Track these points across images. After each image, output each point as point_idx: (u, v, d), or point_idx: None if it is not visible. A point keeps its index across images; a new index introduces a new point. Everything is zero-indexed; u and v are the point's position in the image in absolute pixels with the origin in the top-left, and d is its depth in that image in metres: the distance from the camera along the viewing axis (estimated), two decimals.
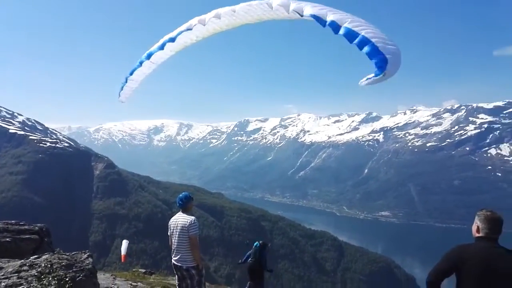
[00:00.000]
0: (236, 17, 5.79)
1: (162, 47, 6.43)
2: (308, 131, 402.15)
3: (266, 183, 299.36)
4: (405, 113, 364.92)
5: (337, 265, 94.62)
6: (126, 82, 7.02)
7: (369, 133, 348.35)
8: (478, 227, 3.73)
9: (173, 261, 5.99)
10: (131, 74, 6.91)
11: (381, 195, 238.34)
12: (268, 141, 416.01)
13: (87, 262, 5.86)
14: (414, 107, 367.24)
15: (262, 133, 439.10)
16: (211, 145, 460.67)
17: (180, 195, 6.14)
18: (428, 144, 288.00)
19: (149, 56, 6.60)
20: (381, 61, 4.43)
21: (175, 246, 5.94)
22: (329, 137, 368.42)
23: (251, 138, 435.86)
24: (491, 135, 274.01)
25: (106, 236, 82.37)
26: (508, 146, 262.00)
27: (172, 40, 6.27)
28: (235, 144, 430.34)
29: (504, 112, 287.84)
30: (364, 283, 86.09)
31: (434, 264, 3.76)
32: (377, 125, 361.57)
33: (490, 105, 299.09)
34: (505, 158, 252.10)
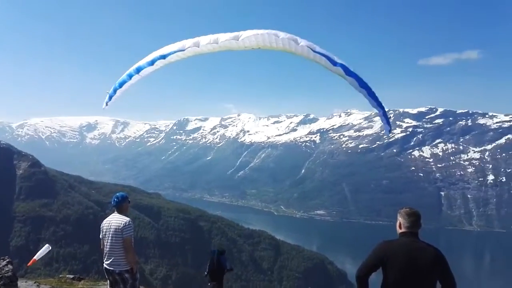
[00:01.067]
0: (235, 44, 6.25)
1: (152, 63, 6.77)
2: (248, 131, 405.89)
3: (205, 183, 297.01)
4: (340, 116, 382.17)
5: (274, 263, 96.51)
6: (115, 93, 7.29)
7: (307, 134, 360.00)
8: (400, 223, 4.18)
9: (104, 265, 5.69)
10: (120, 86, 7.17)
11: (317, 194, 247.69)
12: (208, 140, 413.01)
13: (7, 269, 5.37)
14: (349, 110, 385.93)
15: (202, 132, 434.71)
16: (149, 143, 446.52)
17: (116, 194, 5.87)
18: (360, 146, 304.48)
19: (138, 71, 6.94)
20: (388, 124, 7.71)
21: (107, 249, 5.65)
22: (268, 138, 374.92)
23: (191, 137, 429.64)
24: (415, 138, 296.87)
25: (29, 240, 76.14)
26: (429, 149, 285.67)
27: (163, 57, 6.67)
28: (174, 143, 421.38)
29: (427, 117, 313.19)
30: (299, 280, 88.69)
31: (363, 259, 4.12)
32: (314, 126, 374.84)
33: (415, 111, 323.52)
34: (427, 159, 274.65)
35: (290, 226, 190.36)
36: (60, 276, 12.51)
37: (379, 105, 7.23)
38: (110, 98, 7.37)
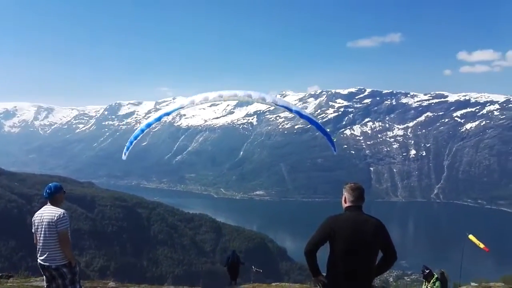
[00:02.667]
0: (221, 99, 8.40)
1: (159, 119, 8.80)
2: (184, 115, 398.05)
3: (142, 169, 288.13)
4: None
5: (216, 245, 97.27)
6: (131, 145, 8.97)
7: (244, 117, 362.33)
8: (345, 198, 4.33)
9: (39, 260, 5.22)
10: (135, 139, 8.91)
11: (256, 175, 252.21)
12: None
13: None
14: (284, 92, 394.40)
15: (136, 117, 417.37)
16: (78, 130, 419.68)
17: (49, 184, 5.33)
18: (296, 127, 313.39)
19: (148, 126, 8.75)
20: (331, 140, 9.36)
21: (40, 244, 5.17)
22: (206, 121, 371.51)
23: (124, 122, 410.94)
24: (346, 118, 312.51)
25: None
26: (359, 127, 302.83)
27: (168, 114, 8.77)
28: (106, 129, 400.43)
29: (356, 97, 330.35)
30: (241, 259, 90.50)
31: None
32: (251, 108, 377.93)
33: (345, 91, 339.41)
34: (357, 138, 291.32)
35: (230, 208, 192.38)
36: None
37: (324, 133, 9.40)
38: (128, 149, 9.05)
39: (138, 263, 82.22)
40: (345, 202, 4.32)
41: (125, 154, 8.95)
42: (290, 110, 8.67)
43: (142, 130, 8.36)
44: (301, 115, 8.77)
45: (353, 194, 4.27)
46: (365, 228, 3.99)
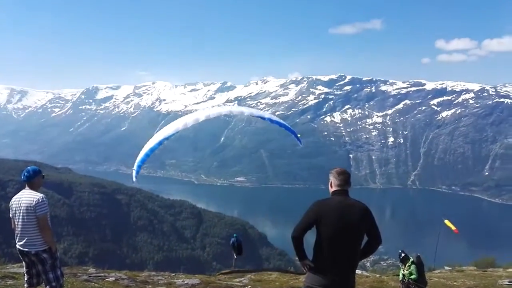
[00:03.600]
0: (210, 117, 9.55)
1: (160, 144, 9.47)
2: (164, 100, 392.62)
3: (121, 154, 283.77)
4: (257, 83, 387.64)
5: (196, 231, 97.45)
6: (140, 169, 9.78)
7: (224, 102, 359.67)
8: (331, 182, 4.36)
9: (18, 246, 5.07)
10: (142, 163, 9.65)
11: (237, 161, 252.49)
12: (121, 110, 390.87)
13: None
14: (265, 78, 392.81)
15: (114, 101, 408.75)
16: (53, 114, 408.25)
17: (27, 168, 5.16)
18: (277, 113, 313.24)
19: (152, 151, 9.45)
20: (296, 136, 11.10)
21: (19, 229, 5.01)
22: (186, 106, 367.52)
23: (102, 107, 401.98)
24: (326, 105, 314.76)
25: None
26: (339, 114, 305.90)
27: (167, 139, 9.49)
28: (83, 114, 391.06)
29: (337, 84, 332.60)
30: (221, 246, 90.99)
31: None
32: (232, 94, 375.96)
33: (326, 78, 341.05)
34: (337, 124, 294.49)
35: (211, 194, 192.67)
36: None
37: (292, 132, 11.14)
38: (137, 172, 9.82)
39: (118, 250, 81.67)
40: (331, 187, 4.35)
41: (135, 178, 10.12)
42: (263, 118, 10.43)
43: (147, 155, 9.34)
44: (272, 121, 10.35)
45: (339, 178, 4.30)
46: (351, 213, 4.05)
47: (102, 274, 11.41)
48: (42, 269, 5.08)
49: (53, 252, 5.12)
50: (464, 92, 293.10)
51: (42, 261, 5.05)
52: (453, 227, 15.96)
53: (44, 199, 5.12)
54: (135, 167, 9.65)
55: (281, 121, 10.75)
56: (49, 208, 5.28)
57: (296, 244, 4.15)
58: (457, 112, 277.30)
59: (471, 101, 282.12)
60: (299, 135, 11.87)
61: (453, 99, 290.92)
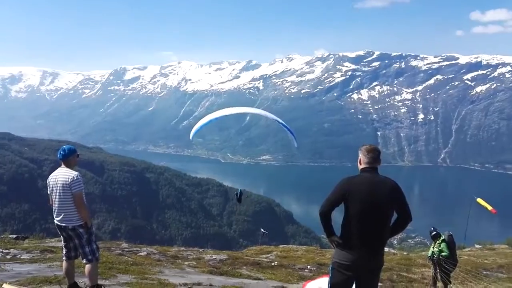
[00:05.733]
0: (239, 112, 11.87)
1: (208, 123, 11.07)
2: (190, 79, 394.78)
3: (149, 134, 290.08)
4: (282, 61, 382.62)
5: (223, 209, 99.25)
6: (200, 128, 11.21)
7: (250, 81, 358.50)
8: (360, 159, 4.30)
9: (55, 221, 5.31)
10: (201, 128, 11.20)
11: (262, 140, 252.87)
12: (148, 90, 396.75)
13: None
14: (290, 56, 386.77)
15: (141, 82, 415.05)
16: (84, 95, 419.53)
17: (63, 147, 5.36)
18: (302, 91, 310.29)
19: (208, 123, 11.13)
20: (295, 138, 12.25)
21: (56, 205, 5.24)
22: (211, 86, 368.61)
23: (130, 87, 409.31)
24: (353, 82, 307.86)
25: None
26: (367, 91, 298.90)
27: (211, 121, 11.10)
28: (112, 94, 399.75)
29: (364, 60, 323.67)
30: (248, 223, 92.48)
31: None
32: (257, 73, 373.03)
33: (353, 54, 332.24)
34: (365, 102, 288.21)
35: (237, 172, 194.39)
36: (2, 236, 11.78)
37: (290, 131, 12.07)
38: (197, 131, 11.09)
39: (148, 226, 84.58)
40: (360, 164, 4.30)
41: (192, 137, 11.34)
42: (277, 121, 11.91)
43: (205, 124, 11.02)
44: (279, 123, 11.84)
45: (368, 155, 4.23)
46: (380, 190, 3.99)
47: (135, 249, 11.90)
48: (79, 243, 5.32)
49: (88, 227, 5.34)
50: (501, 66, 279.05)
51: (79, 235, 5.28)
52: (489, 207, 15.33)
53: (79, 177, 5.30)
54: (195, 128, 11.09)
55: (284, 123, 12.29)
56: (84, 185, 5.46)
57: (323, 220, 4.11)
58: (493, 87, 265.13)
59: (507, 75, 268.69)
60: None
61: (488, 73, 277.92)
